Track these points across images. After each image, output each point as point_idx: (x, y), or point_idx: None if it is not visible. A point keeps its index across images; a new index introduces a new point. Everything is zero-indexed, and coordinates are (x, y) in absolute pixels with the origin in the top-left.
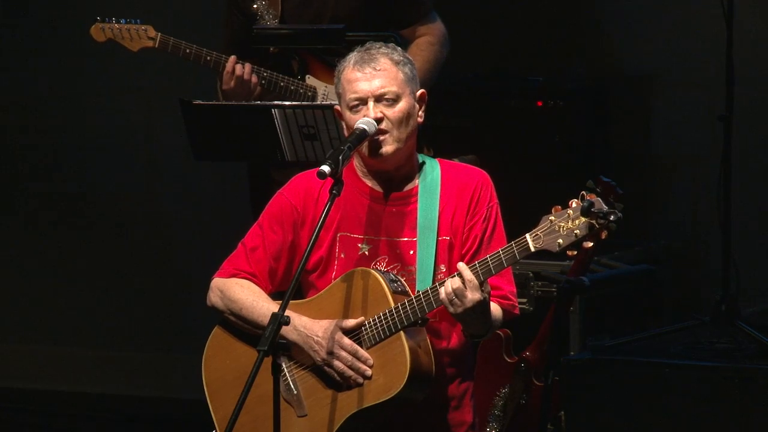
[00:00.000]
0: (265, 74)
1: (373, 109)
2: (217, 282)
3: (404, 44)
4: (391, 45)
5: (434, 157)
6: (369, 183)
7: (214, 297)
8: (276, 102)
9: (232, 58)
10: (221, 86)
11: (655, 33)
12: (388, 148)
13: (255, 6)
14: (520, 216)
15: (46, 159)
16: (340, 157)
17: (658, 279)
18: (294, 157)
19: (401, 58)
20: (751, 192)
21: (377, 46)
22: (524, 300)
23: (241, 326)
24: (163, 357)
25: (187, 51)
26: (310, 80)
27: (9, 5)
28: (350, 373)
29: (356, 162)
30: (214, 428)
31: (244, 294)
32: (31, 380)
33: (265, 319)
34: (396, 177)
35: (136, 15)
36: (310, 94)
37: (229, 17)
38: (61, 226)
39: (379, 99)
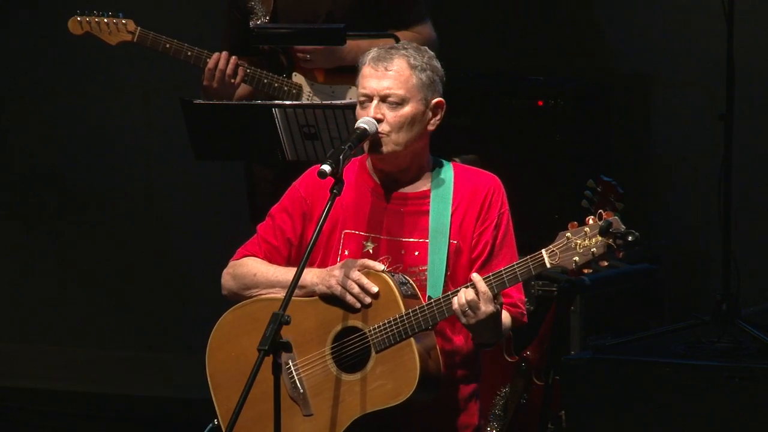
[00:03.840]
0: (248, 70)
1: (374, 109)
2: (228, 266)
3: None
4: (423, 48)
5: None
6: (379, 181)
7: (226, 282)
8: (276, 101)
9: (215, 54)
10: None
11: (655, 33)
12: (383, 148)
13: (251, 3)
14: (520, 216)
15: (46, 159)
16: (341, 157)
17: (658, 278)
18: (294, 156)
19: (421, 63)
20: (751, 192)
21: (403, 46)
22: (525, 299)
23: (257, 294)
24: (163, 357)
25: (167, 46)
26: (297, 78)
27: (7, 4)
28: (357, 289)
29: (368, 159)
30: (216, 418)
31: (257, 263)
32: (31, 380)
33: (281, 274)
34: (402, 179)
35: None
36: (294, 91)
37: (230, 17)
38: (60, 226)
39: (384, 99)
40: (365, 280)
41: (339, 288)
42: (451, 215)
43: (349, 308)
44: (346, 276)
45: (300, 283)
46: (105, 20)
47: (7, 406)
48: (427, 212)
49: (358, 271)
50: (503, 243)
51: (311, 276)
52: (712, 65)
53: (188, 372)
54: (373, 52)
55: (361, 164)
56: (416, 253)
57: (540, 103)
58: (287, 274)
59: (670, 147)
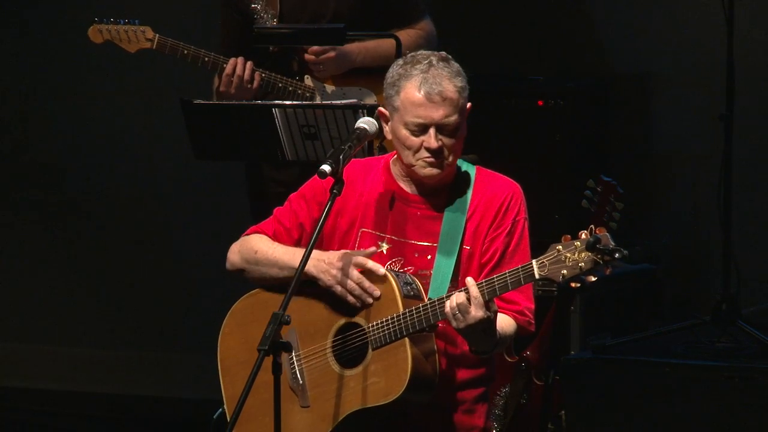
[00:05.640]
0: (263, 75)
1: (435, 138)
2: (238, 240)
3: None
4: (456, 68)
5: None
6: (402, 184)
7: (231, 255)
8: (276, 101)
9: (232, 60)
10: (219, 87)
11: (656, 32)
12: (437, 171)
13: (254, 5)
14: None
15: (46, 159)
16: (341, 157)
17: (658, 278)
18: (294, 156)
19: (463, 83)
20: (751, 192)
21: (439, 64)
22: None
23: (256, 272)
24: (163, 357)
25: (185, 52)
26: (309, 81)
27: (7, 5)
28: (359, 291)
29: (393, 162)
30: (223, 405)
31: (262, 241)
32: (31, 380)
33: (280, 254)
34: (432, 184)
35: (136, 16)
36: (308, 95)
37: (226, 17)
38: (60, 226)
39: (440, 128)
40: (367, 283)
41: (339, 288)
42: (467, 221)
43: (351, 305)
44: (345, 275)
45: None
46: (124, 28)
47: (7, 406)
48: (442, 216)
49: (357, 270)
50: (515, 251)
51: (310, 263)
52: (712, 65)
53: (188, 372)
54: (416, 75)
55: (385, 165)
56: (429, 257)
57: (540, 103)
58: (286, 254)
59: (670, 147)
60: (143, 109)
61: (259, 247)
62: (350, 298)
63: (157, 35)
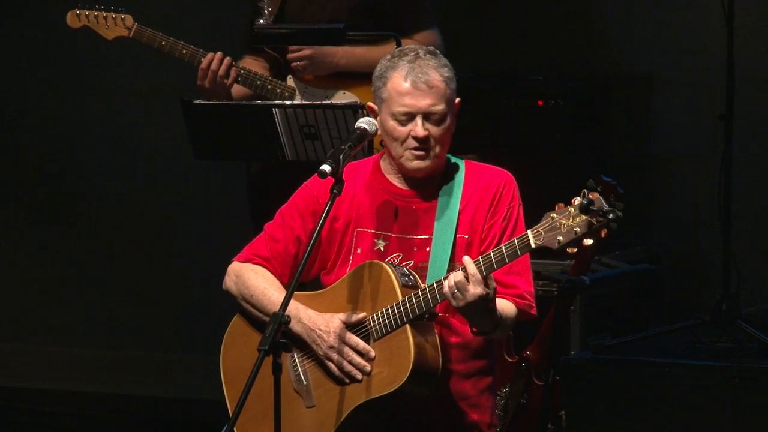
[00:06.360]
0: (242, 71)
1: (422, 127)
2: (234, 266)
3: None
4: (443, 61)
5: None
6: (393, 180)
7: (229, 281)
8: (276, 102)
9: (210, 54)
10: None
11: (655, 33)
12: (425, 164)
13: (261, 3)
14: None
15: (46, 159)
16: (341, 157)
17: (658, 279)
18: (294, 156)
19: (450, 73)
20: (751, 192)
21: (426, 56)
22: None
23: (251, 312)
24: (163, 357)
25: (163, 43)
26: (290, 81)
27: (6, 5)
28: (349, 368)
29: (383, 159)
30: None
31: (258, 281)
32: (31, 380)
33: (272, 308)
34: (422, 177)
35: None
36: (287, 94)
37: (250, 16)
38: (60, 226)
39: (427, 116)
40: (356, 359)
41: (328, 362)
42: (461, 211)
43: (352, 304)
44: (334, 351)
45: (291, 325)
46: (103, 14)
47: (7, 406)
48: (435, 208)
49: (347, 347)
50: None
51: (300, 327)
52: (712, 65)
53: (188, 372)
54: (402, 65)
55: (375, 164)
56: (427, 249)
57: (540, 103)
58: (277, 306)
59: (670, 147)
60: (143, 109)
61: (254, 291)
62: (338, 374)
63: (136, 24)
